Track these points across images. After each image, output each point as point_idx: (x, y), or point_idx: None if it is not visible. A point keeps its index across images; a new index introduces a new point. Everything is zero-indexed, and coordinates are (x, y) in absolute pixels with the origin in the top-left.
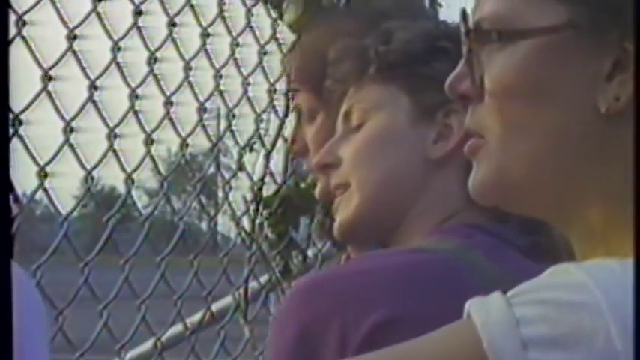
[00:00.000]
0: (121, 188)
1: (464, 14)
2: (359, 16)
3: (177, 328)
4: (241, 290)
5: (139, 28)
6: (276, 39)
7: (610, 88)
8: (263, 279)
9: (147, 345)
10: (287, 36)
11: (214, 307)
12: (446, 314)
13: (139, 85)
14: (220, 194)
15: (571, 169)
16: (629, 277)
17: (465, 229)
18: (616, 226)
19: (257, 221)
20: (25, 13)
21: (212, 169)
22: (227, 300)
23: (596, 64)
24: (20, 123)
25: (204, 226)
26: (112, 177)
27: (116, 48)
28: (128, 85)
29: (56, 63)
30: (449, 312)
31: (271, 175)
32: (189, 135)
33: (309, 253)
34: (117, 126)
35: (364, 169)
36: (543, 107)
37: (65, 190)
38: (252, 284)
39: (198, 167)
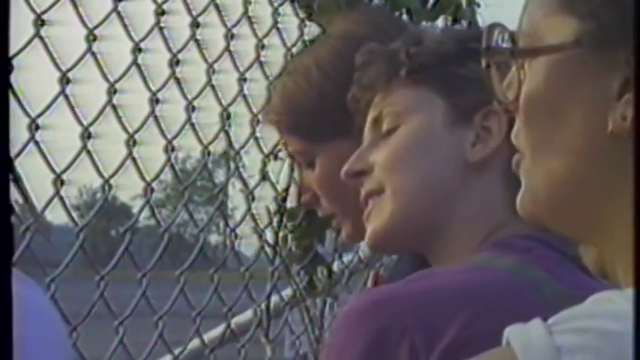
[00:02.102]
0: (123, 197)
1: (511, 31)
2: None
3: (196, 345)
4: (263, 306)
5: (160, 29)
6: (304, 40)
7: (619, 107)
8: (286, 294)
9: None
10: (315, 37)
11: (234, 323)
12: None
13: (160, 89)
14: (232, 204)
15: (588, 189)
16: None
17: (521, 242)
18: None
19: (281, 234)
20: (44, 12)
21: (224, 179)
22: (248, 316)
23: (606, 82)
24: (37, 128)
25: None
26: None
27: (137, 49)
28: (149, 88)
29: (75, 65)
30: None
31: (296, 184)
32: (211, 142)
33: (335, 267)
34: (137, 131)
35: (399, 174)
36: (559, 126)
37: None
38: (275, 300)
39: (208, 175)
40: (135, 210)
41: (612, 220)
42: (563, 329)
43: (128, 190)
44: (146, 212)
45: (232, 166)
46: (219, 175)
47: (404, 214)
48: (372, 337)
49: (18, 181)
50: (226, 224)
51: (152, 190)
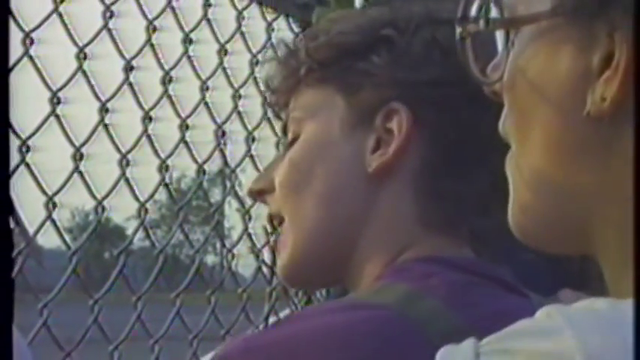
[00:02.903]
0: (117, 218)
1: None
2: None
3: None
4: (261, 328)
5: (152, 46)
6: None
7: (598, 86)
8: (284, 316)
9: None
10: None
11: None
12: None
13: (152, 107)
14: (228, 224)
15: (573, 184)
16: (618, 319)
17: (422, 266)
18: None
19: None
20: (33, 30)
21: (219, 197)
22: None
23: (586, 58)
24: (28, 150)
25: (208, 259)
26: (115, 207)
27: (128, 67)
28: (141, 107)
29: (65, 84)
30: None
31: None
32: (205, 161)
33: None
34: (129, 151)
35: (294, 195)
36: (540, 109)
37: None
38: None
39: (203, 195)
40: (129, 231)
41: (597, 223)
42: (491, 350)
43: (122, 211)
44: (141, 233)
45: (228, 184)
46: (216, 195)
47: (304, 245)
48: None
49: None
50: (223, 244)
51: (146, 210)
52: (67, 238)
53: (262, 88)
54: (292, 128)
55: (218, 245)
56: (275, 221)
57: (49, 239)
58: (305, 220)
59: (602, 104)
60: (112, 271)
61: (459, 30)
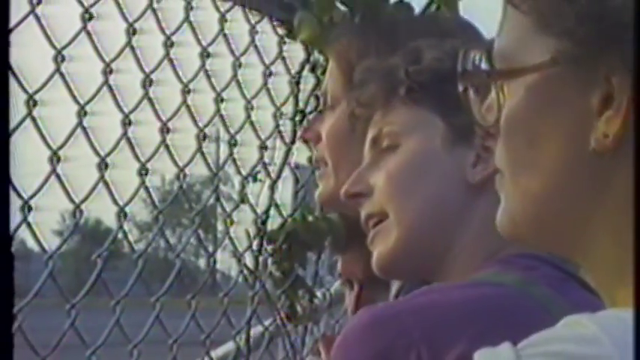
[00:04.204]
0: (108, 221)
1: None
2: (383, 33)
3: None
4: (243, 334)
5: (132, 48)
6: (283, 58)
7: (600, 125)
8: (267, 322)
9: None
10: (294, 55)
11: (214, 353)
12: None
13: (132, 110)
14: (220, 228)
15: (568, 208)
16: None
17: (525, 260)
18: (627, 257)
19: (261, 258)
20: (10, 31)
21: (211, 201)
22: (228, 345)
23: (586, 100)
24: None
25: (201, 263)
26: (100, 209)
27: (108, 70)
28: (121, 110)
29: (43, 86)
30: None
31: (277, 207)
32: (187, 164)
33: (318, 292)
34: (109, 154)
35: (401, 197)
36: (539, 147)
37: (44, 225)
38: (256, 328)
39: (196, 198)
40: (120, 234)
41: (595, 237)
42: (532, 353)
43: (112, 214)
44: (134, 236)
45: (215, 188)
46: (209, 198)
47: (408, 239)
48: (378, 353)
49: None
50: (205, 249)
51: (125, 214)
52: (57, 240)
53: (245, 91)
54: (387, 140)
55: (211, 249)
56: (372, 221)
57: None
58: (411, 216)
59: (605, 140)
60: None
61: (460, 83)
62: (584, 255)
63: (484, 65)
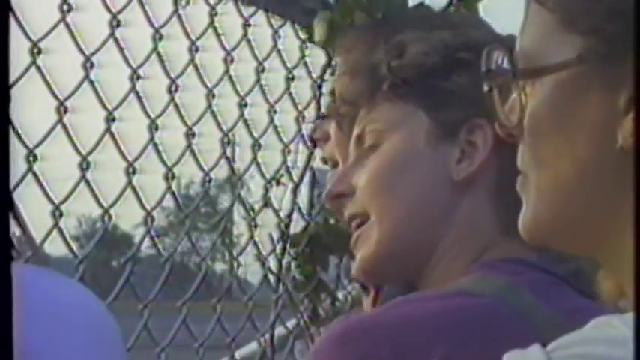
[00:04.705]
0: (124, 226)
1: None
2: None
3: None
4: (267, 336)
5: (159, 54)
6: (305, 63)
7: (626, 123)
8: (290, 324)
9: None
10: (316, 60)
11: (238, 354)
12: None
13: (159, 116)
14: (236, 232)
15: (595, 206)
16: None
17: (509, 264)
18: None
19: (284, 261)
20: (40, 40)
21: (226, 205)
22: (252, 347)
23: (613, 98)
24: (35, 159)
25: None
26: (117, 214)
27: (135, 76)
28: (147, 115)
29: (72, 93)
30: None
31: (299, 210)
32: (212, 168)
33: (339, 295)
34: (136, 160)
35: (382, 197)
36: (566, 145)
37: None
38: (279, 330)
39: (212, 202)
40: (136, 239)
41: (621, 235)
42: (562, 355)
43: (129, 219)
44: (148, 241)
45: (236, 192)
46: (225, 201)
47: (391, 241)
48: None
49: (15, 212)
50: (229, 252)
51: (152, 218)
52: (74, 246)
53: (268, 96)
54: (370, 138)
55: (227, 253)
56: (355, 222)
57: (56, 248)
58: (393, 217)
59: (631, 139)
60: (119, 279)
61: (485, 84)
62: (608, 253)
63: (507, 65)
